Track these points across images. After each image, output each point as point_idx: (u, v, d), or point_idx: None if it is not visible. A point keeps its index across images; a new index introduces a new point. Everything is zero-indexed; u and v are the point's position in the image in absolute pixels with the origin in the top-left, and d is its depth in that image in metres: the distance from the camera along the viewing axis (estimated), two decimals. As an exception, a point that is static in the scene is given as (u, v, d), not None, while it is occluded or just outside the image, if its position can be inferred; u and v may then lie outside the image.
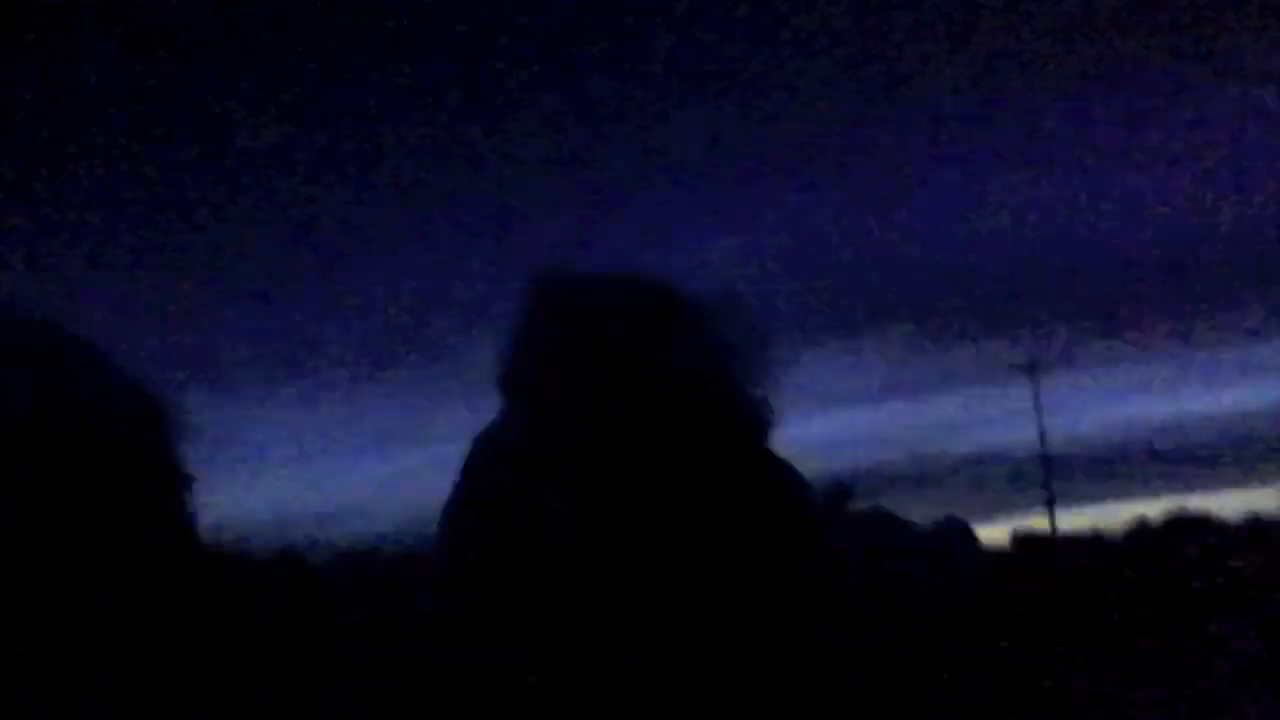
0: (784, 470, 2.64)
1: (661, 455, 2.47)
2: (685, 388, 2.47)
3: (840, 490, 15.68)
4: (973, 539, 18.91)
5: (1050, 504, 41.95)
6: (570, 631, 2.24)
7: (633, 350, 2.33)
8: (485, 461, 2.47)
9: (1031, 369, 42.19)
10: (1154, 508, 23.73)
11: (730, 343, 2.56)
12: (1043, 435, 42.65)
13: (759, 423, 2.84)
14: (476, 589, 2.38)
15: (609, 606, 2.23)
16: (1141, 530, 22.31)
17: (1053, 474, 42.83)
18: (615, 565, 2.28)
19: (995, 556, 19.70)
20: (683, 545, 2.18)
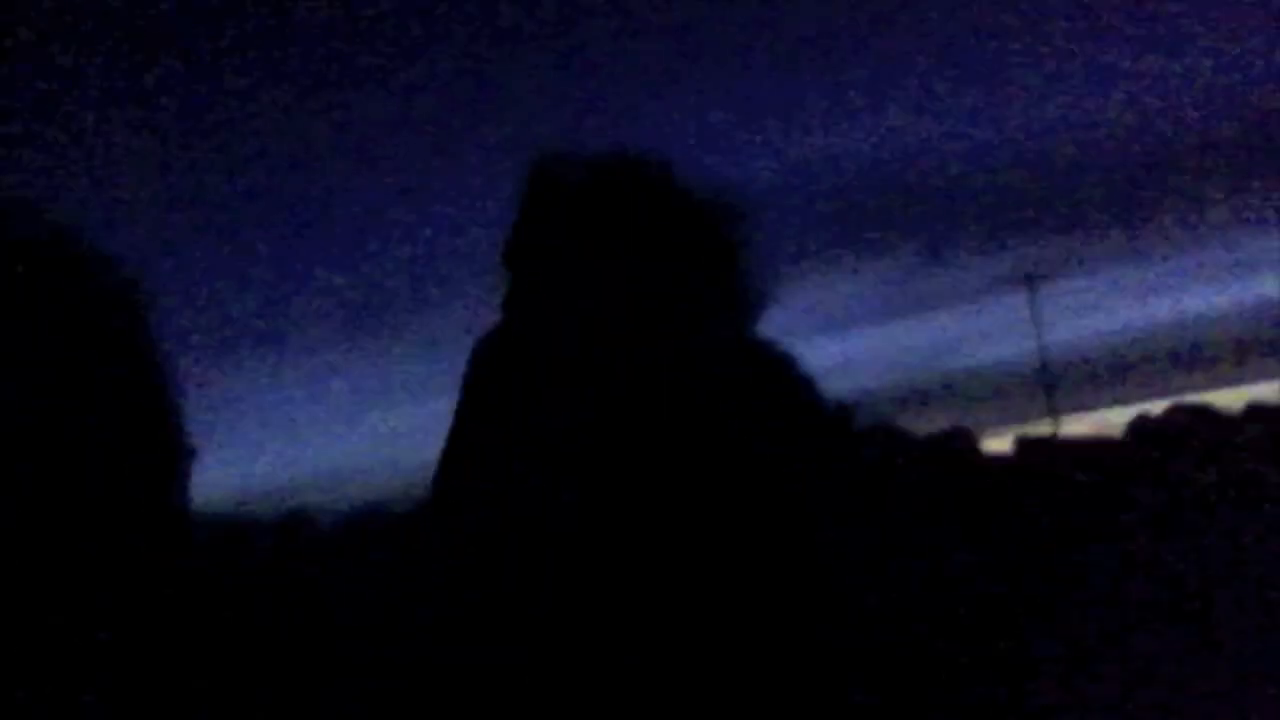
0: (780, 361, 2.40)
1: (662, 348, 2.27)
2: (683, 279, 2.28)
3: (842, 410, 15.72)
4: (975, 446, 19.03)
5: (1054, 412, 42.12)
6: (582, 544, 2.00)
7: (630, 235, 2.09)
8: (484, 365, 2.17)
9: (1029, 280, 42.17)
10: (1156, 407, 23.79)
11: (724, 236, 2.34)
12: (1042, 345, 42.73)
13: (752, 311, 2.76)
14: (482, 505, 2.13)
15: (620, 516, 2.01)
16: (1143, 425, 22.41)
17: (1054, 383, 42.96)
18: (624, 471, 2.05)
19: (998, 462, 19.81)
20: (691, 443, 1.95)
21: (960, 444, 19.04)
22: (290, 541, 10.09)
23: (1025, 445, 21.29)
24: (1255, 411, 22.60)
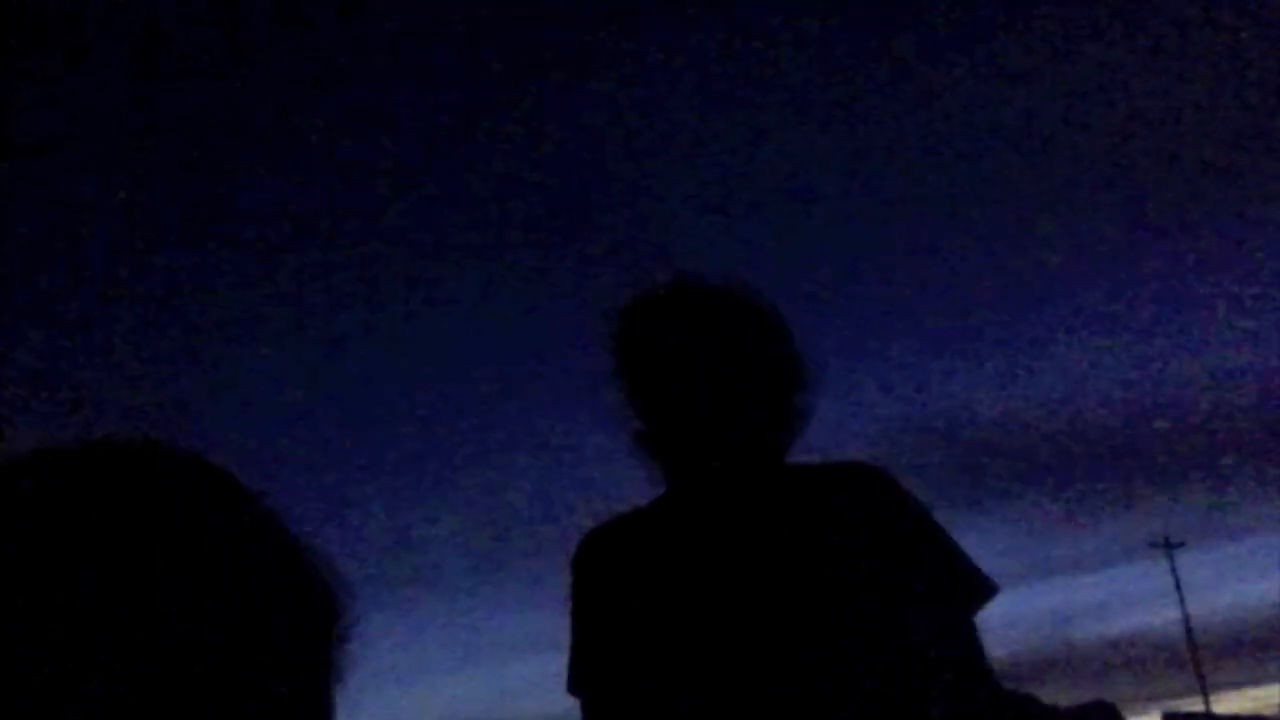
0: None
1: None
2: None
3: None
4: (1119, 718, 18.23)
5: (1202, 683, 39.93)
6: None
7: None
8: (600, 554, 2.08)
9: (1169, 544, 40.89)
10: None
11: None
12: (1186, 613, 40.96)
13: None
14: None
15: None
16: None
17: (1200, 653, 40.92)
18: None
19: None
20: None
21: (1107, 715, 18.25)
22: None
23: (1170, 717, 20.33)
24: None
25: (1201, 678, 40.61)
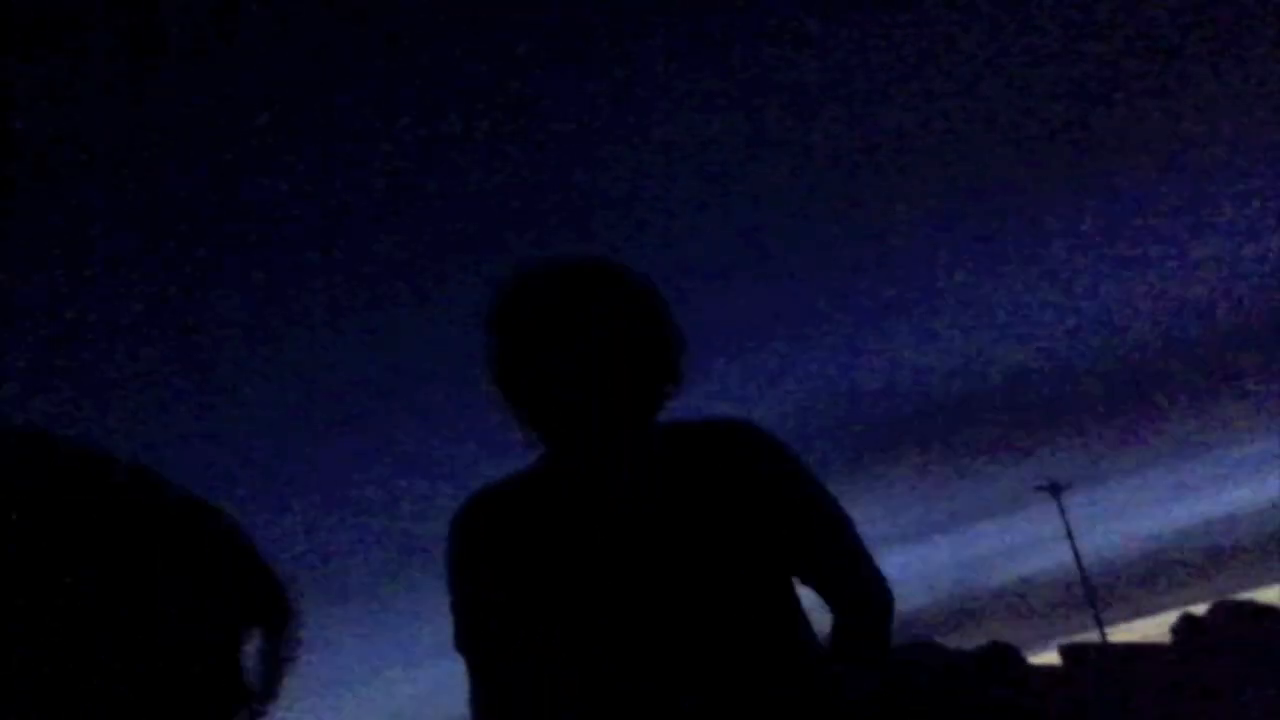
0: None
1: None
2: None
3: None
4: (1020, 659, 18.81)
5: (1097, 618, 41.31)
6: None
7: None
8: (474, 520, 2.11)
9: (1054, 488, 42.19)
10: (1199, 607, 23.54)
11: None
12: (1077, 552, 42.34)
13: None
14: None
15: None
16: (1187, 624, 22.15)
17: (1094, 590, 42.31)
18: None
19: (1044, 673, 19.54)
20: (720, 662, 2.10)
21: (1005, 658, 18.80)
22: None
23: (1071, 655, 21.02)
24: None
25: (1096, 613, 42.04)
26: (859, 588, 2.43)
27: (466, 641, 2.31)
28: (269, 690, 2.45)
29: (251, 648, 2.51)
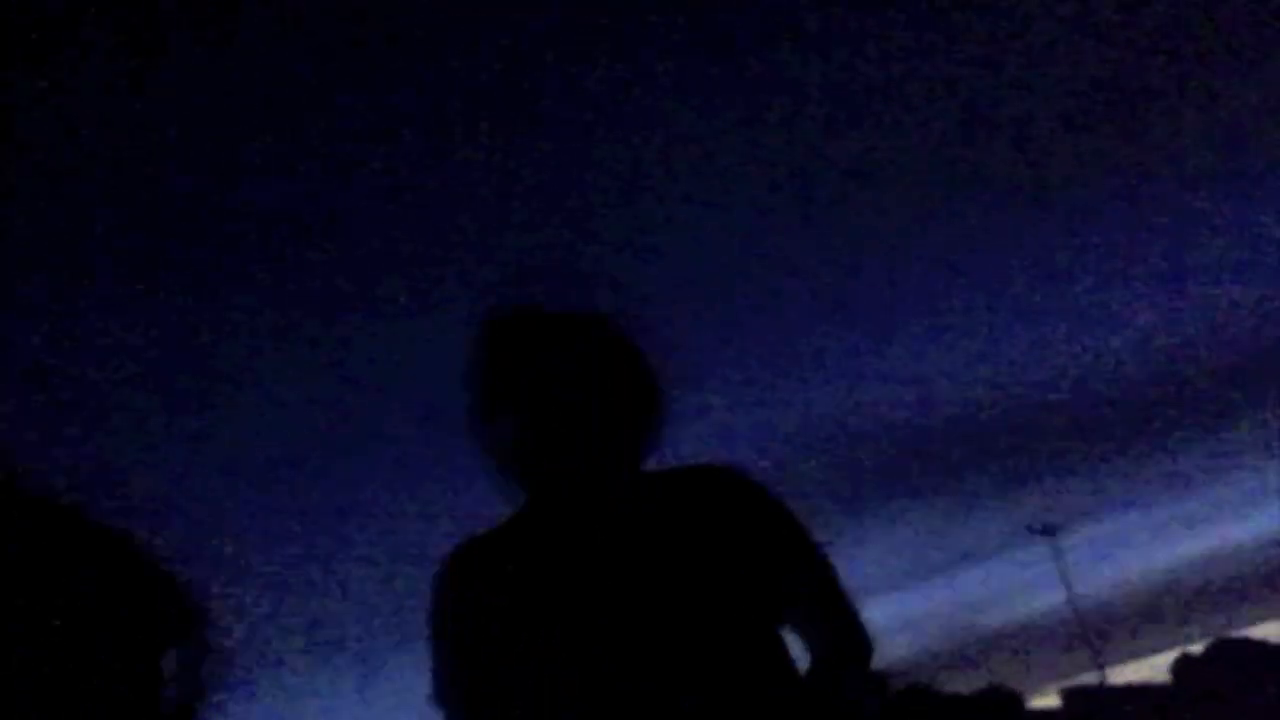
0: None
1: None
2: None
3: (877, 682, 15.54)
4: (1020, 704, 18.69)
5: (1097, 660, 41.12)
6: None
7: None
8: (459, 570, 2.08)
9: (1046, 530, 42.09)
10: (1197, 646, 23.47)
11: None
12: (1072, 594, 42.15)
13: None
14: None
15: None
16: (1185, 664, 22.09)
17: (1092, 631, 42.12)
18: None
19: (1044, 717, 19.42)
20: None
21: (1004, 702, 18.69)
22: None
23: (1072, 698, 20.93)
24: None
25: (1096, 654, 41.86)
26: (840, 632, 2.43)
27: (447, 694, 2.30)
28: (189, 708, 2.37)
29: (168, 664, 2.41)
